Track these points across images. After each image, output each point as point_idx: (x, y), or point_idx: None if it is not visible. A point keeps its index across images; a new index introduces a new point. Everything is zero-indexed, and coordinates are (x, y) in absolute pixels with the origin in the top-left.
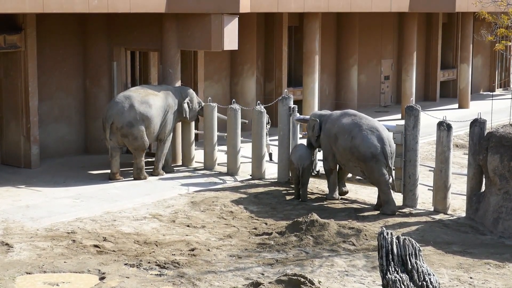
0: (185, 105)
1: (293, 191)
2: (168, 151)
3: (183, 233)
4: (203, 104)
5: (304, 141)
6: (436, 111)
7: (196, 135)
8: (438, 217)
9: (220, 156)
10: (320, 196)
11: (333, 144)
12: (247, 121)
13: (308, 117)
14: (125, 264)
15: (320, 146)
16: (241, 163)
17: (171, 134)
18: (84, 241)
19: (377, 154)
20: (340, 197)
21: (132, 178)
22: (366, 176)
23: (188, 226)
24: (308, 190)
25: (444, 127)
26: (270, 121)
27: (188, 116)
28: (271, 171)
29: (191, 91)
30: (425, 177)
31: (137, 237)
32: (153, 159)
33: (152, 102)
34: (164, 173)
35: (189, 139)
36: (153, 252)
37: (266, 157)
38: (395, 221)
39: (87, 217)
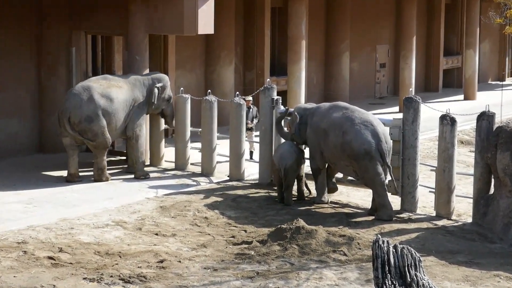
0: (155, 90)
1: (276, 194)
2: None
3: (150, 242)
4: (172, 100)
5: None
6: (439, 103)
7: (166, 130)
8: (441, 223)
9: (194, 154)
10: (307, 199)
11: (322, 141)
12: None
13: (291, 110)
14: (84, 279)
15: (304, 143)
16: (217, 162)
17: (143, 129)
18: (37, 253)
19: (371, 152)
20: (330, 200)
21: (93, 180)
22: (359, 176)
23: (156, 234)
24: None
25: (447, 121)
26: (258, 115)
27: (155, 101)
28: (251, 171)
29: (167, 79)
30: (426, 178)
31: (98, 247)
32: (117, 158)
33: (115, 95)
34: (149, 175)
35: (158, 135)
36: (116, 264)
37: (246, 156)
38: (392, 227)
39: (41, 224)
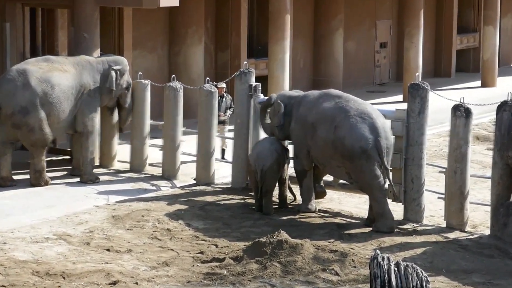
0: (112, 73)
1: (253, 201)
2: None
3: (101, 260)
4: (129, 87)
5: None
6: (451, 91)
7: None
8: (452, 235)
9: (153, 153)
10: (290, 207)
11: (309, 136)
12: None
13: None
14: None
15: (288, 139)
16: (181, 162)
17: (96, 124)
18: None
19: (368, 150)
20: (318, 208)
21: (30, 184)
22: (354, 179)
23: (108, 250)
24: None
25: (461, 113)
26: (233, 106)
27: (113, 87)
28: (223, 173)
29: (126, 62)
30: (434, 181)
31: (37, 267)
32: (59, 158)
33: (58, 80)
34: (99, 179)
35: (110, 130)
36: (59, 287)
37: (217, 155)
38: (393, 241)
39: None
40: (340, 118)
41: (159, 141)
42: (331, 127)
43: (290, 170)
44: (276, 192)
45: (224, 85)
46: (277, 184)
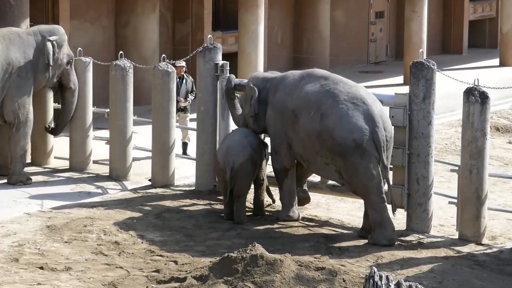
0: (48, 45)
1: (222, 207)
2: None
3: (32, 280)
4: (72, 62)
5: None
6: (463, 71)
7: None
8: (466, 249)
9: (98, 147)
10: (268, 214)
11: (289, 128)
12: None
13: (245, 81)
14: None
15: (264, 131)
16: (133, 159)
17: (29, 112)
18: None
19: (363, 143)
20: (301, 216)
21: None
22: (346, 180)
23: (41, 268)
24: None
25: (475, 98)
26: (195, 89)
27: (50, 62)
28: (185, 172)
29: (63, 31)
30: (444, 182)
31: None
32: None
33: None
34: (31, 180)
35: (44, 120)
36: None
37: (177, 150)
38: (393, 256)
39: None
40: (328, 104)
41: (105, 133)
42: (317, 115)
43: (268, 168)
44: (251, 196)
45: (183, 64)
46: (252, 186)
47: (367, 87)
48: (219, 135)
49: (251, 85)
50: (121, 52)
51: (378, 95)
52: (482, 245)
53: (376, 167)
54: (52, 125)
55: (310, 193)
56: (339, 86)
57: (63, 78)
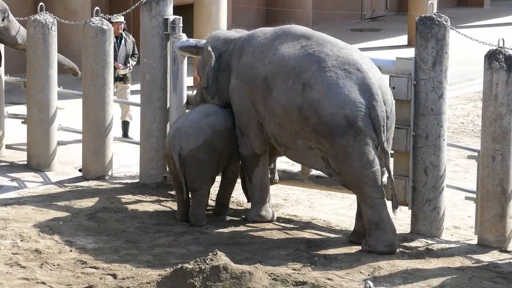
0: None
1: (175, 205)
2: None
3: None
4: (7, 11)
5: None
6: (484, 29)
7: None
8: (487, 257)
9: (12, 128)
10: (234, 212)
11: (260, 101)
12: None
13: (203, 42)
14: None
15: (228, 107)
16: (58, 143)
17: None
18: None
19: (358, 121)
20: (276, 216)
21: None
22: (334, 169)
23: None
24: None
25: (500, 64)
26: (137, 53)
27: None
28: (125, 161)
29: None
30: (460, 172)
31: None
32: None
33: None
34: None
35: None
36: None
37: (116, 131)
38: (394, 267)
39: None
40: (312, 71)
41: (21, 109)
42: (297, 85)
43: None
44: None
45: (122, 19)
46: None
47: (361, 49)
48: (171, 113)
49: (209, 48)
50: (41, 4)
51: (375, 60)
52: (508, 252)
53: (374, 151)
54: None
55: (287, 187)
56: (325, 48)
57: (4, 38)
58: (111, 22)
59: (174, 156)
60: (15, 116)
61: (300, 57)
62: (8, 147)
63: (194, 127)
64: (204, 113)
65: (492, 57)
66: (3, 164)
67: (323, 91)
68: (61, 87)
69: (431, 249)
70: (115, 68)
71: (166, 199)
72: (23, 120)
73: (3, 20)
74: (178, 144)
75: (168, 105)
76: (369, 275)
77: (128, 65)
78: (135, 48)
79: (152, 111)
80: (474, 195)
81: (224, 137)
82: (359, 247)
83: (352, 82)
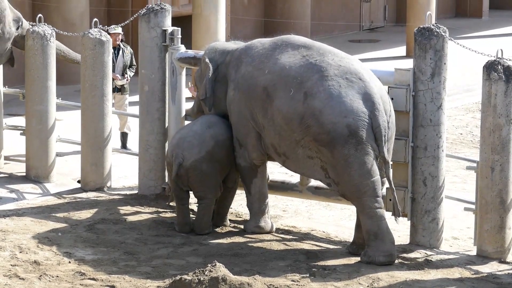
0: None
1: (175, 215)
2: None
3: None
4: (21, 20)
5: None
6: (483, 40)
7: None
8: (487, 269)
9: (11, 140)
10: (233, 223)
11: (259, 112)
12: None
13: (201, 53)
14: None
15: (225, 117)
16: (57, 155)
17: None
18: None
19: (359, 131)
20: (275, 227)
21: None
22: (334, 179)
23: None
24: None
25: (499, 74)
26: (135, 64)
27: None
28: (124, 172)
29: None
30: (459, 183)
31: None
32: None
33: None
34: None
35: None
36: None
37: (115, 143)
38: (393, 278)
39: None
40: (314, 80)
41: (20, 121)
42: (299, 94)
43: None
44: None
45: (120, 30)
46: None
47: (360, 60)
48: (168, 123)
49: (206, 60)
50: (39, 15)
51: (373, 70)
52: (507, 263)
53: (374, 161)
54: None
55: (286, 198)
56: (326, 58)
57: (19, 45)
58: (109, 34)
59: (174, 165)
60: (14, 127)
61: (301, 66)
62: (7, 158)
63: (197, 138)
64: (206, 124)
65: (490, 67)
66: (2, 175)
67: (325, 99)
68: (60, 98)
69: (430, 260)
70: (113, 79)
71: (165, 210)
72: (21, 131)
73: (17, 28)
74: (181, 154)
75: (166, 116)
76: (368, 286)
77: (126, 76)
78: (133, 59)
79: (150, 122)
80: (473, 206)
81: (226, 146)
82: (358, 258)
83: (354, 91)
